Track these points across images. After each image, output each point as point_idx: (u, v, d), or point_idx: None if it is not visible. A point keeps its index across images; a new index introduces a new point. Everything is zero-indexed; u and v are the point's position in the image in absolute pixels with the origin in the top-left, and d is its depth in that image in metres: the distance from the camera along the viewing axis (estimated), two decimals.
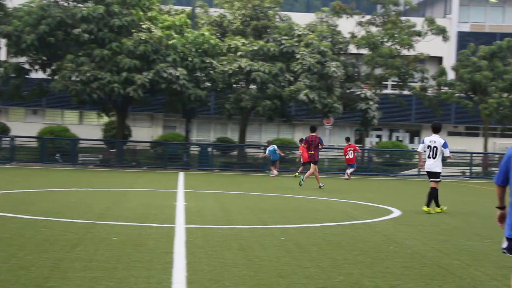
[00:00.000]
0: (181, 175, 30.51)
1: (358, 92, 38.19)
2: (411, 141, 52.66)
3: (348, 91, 39.20)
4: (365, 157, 39.71)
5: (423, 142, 17.18)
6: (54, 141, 38.67)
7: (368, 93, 38.03)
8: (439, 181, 16.89)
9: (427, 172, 17.04)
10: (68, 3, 35.34)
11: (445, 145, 16.87)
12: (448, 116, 49.74)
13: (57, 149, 37.50)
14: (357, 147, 33.23)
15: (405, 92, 44.04)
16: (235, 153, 40.21)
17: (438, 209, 16.69)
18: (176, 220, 13.47)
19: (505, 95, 40.99)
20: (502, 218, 6.61)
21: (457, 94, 41.42)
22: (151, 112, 49.32)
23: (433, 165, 16.88)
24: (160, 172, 33.09)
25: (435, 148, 16.74)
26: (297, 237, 11.65)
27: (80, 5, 34.82)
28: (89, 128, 48.18)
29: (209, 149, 38.53)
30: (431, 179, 16.93)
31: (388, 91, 48.25)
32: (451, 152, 17.43)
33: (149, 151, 39.74)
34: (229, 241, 10.89)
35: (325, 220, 14.26)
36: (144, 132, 48.85)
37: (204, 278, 8.02)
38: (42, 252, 9.29)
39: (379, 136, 52.24)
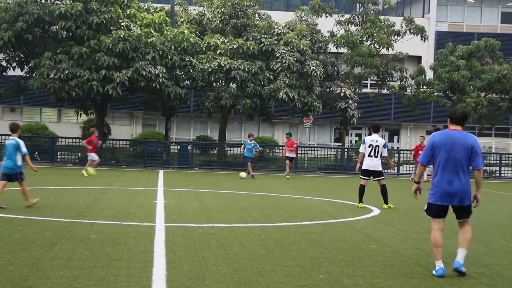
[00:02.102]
0: (161, 173, 30.45)
1: (338, 91, 38.27)
2: (391, 140, 52.91)
3: (327, 90, 39.30)
4: (345, 156, 39.84)
5: (364, 142, 17.22)
6: (32, 139, 38.40)
7: (348, 92, 38.11)
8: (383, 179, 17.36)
9: (368, 171, 17.18)
10: (46, 0, 35.08)
11: (385, 145, 17.33)
12: (427, 115, 50.06)
13: (35, 147, 37.23)
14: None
15: (384, 91, 44.23)
16: (215, 151, 40.14)
17: (386, 206, 16.99)
18: (156, 218, 13.46)
19: (483, 94, 41.29)
20: (416, 191, 9.31)
21: (435, 93, 41.64)
22: (131, 110, 49.17)
23: (377, 164, 17.24)
24: (140, 171, 33.00)
25: (377, 147, 17.05)
26: (277, 235, 11.67)
27: (58, 2, 34.57)
28: (67, 126, 47.94)
29: (189, 147, 38.46)
30: (379, 178, 17.26)
31: (368, 90, 48.42)
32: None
33: (129, 149, 39.58)
34: (209, 240, 10.89)
35: (305, 219, 14.30)
36: (123, 130, 48.71)
37: (184, 277, 8.02)
38: (20, 251, 9.24)
39: (358, 135, 52.43)
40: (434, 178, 8.89)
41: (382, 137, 18.07)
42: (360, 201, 17.25)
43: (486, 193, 24.08)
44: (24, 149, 14.47)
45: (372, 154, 17.05)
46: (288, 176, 29.87)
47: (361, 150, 17.25)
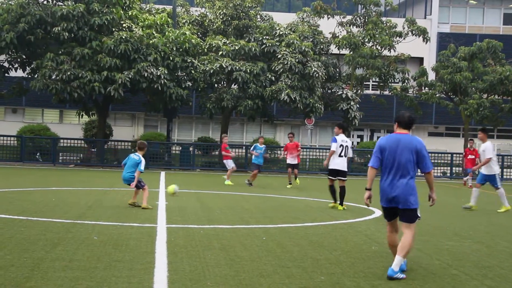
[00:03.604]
0: (163, 174, 30.44)
1: (339, 92, 38.29)
2: None
3: (329, 91, 39.32)
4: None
5: (335, 141, 17.08)
6: (34, 140, 38.43)
7: (349, 93, 38.12)
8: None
9: (336, 170, 17.12)
10: (48, 1, 35.12)
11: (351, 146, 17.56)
12: (429, 116, 50.02)
13: (37, 148, 37.27)
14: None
15: (386, 92, 44.20)
16: (216, 153, 40.13)
17: (341, 207, 16.92)
18: (158, 219, 13.45)
19: (485, 96, 41.26)
20: (369, 198, 8.94)
21: (437, 95, 41.65)
22: (132, 111, 49.18)
23: (345, 164, 17.27)
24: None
25: (346, 148, 17.12)
26: (279, 237, 11.66)
27: (60, 3, 34.61)
28: (69, 127, 47.96)
29: (191, 148, 38.46)
30: (341, 178, 17.14)
31: (369, 91, 48.43)
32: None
33: (131, 150, 39.56)
34: (210, 241, 10.89)
35: (306, 220, 14.29)
36: (125, 132, 48.71)
37: (185, 278, 8.01)
38: (22, 252, 9.24)
39: (360, 137, 52.42)
40: (380, 181, 8.76)
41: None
42: (335, 200, 17.22)
43: (488, 195, 24.09)
44: (142, 167, 15.64)
45: (342, 154, 17.03)
46: (289, 186, 25.32)
47: (333, 148, 17.05)
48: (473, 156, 29.57)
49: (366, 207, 9.27)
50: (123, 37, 32.76)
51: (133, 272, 8.24)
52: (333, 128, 50.47)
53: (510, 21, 55.91)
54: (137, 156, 15.74)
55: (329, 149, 17.47)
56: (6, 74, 37.07)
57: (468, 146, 30.84)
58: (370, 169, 8.85)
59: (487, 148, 17.92)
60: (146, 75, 32.80)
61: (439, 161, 41.13)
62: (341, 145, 17.01)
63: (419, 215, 8.65)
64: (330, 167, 17.20)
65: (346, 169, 17.22)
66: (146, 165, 35.65)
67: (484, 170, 18.14)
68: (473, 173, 29.22)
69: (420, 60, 50.84)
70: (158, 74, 32.88)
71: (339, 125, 17.69)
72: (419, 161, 8.54)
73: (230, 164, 26.25)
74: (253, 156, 26.73)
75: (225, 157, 26.63)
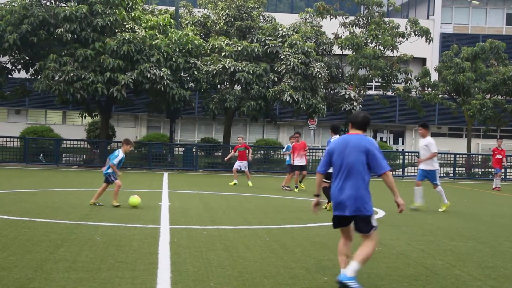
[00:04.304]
0: (166, 175, 30.45)
1: (342, 93, 38.27)
2: (395, 142, 52.92)
3: (332, 91, 39.31)
4: None
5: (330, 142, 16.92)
6: (37, 141, 38.47)
7: (352, 94, 38.12)
8: None
9: (330, 173, 16.97)
10: (51, 2, 35.15)
11: None
12: (432, 117, 50.01)
13: (40, 150, 37.32)
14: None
15: (389, 93, 44.18)
16: (219, 153, 40.16)
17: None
18: (161, 220, 13.46)
19: (488, 96, 41.25)
20: (317, 204, 8.16)
21: (440, 95, 41.66)
22: (135, 112, 49.24)
23: None
24: (145, 173, 33.01)
25: None
26: (282, 237, 11.67)
27: (63, 5, 34.64)
28: (72, 128, 48.03)
29: (194, 149, 38.48)
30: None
31: (372, 92, 48.42)
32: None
33: (133, 151, 39.62)
34: (213, 242, 10.90)
35: (309, 221, 14.28)
36: (128, 132, 48.72)
37: (188, 279, 8.02)
38: (25, 253, 9.25)
39: None
40: (331, 187, 7.89)
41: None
42: (329, 201, 16.89)
43: (491, 196, 24.09)
44: (114, 160, 15.69)
45: None
46: (297, 190, 23.59)
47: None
48: (500, 156, 29.49)
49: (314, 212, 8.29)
50: (126, 38, 32.79)
51: (136, 273, 8.25)
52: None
53: None
54: (118, 151, 15.93)
55: None
56: (9, 76, 37.13)
57: (497, 145, 30.31)
58: (317, 174, 8.03)
59: (431, 143, 17.51)
60: (149, 76, 32.84)
61: (442, 162, 41.06)
62: None
63: (374, 224, 7.61)
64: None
65: None
66: (149, 166, 35.79)
67: (423, 166, 17.66)
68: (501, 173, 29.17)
69: (423, 61, 50.84)
70: (161, 75, 32.90)
71: (333, 125, 17.49)
72: (370, 162, 7.56)
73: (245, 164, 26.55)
74: (286, 157, 25.43)
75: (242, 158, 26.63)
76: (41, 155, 36.60)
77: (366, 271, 8.93)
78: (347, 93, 38.16)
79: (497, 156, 29.73)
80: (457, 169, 40.01)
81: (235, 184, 25.19)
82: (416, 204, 17.59)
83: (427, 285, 8.31)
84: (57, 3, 35.15)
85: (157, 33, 34.27)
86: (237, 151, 26.95)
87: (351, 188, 7.50)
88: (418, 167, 18.00)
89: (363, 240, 7.64)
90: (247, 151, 26.84)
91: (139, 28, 34.02)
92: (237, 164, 26.52)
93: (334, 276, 8.52)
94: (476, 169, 41.06)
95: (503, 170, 31.14)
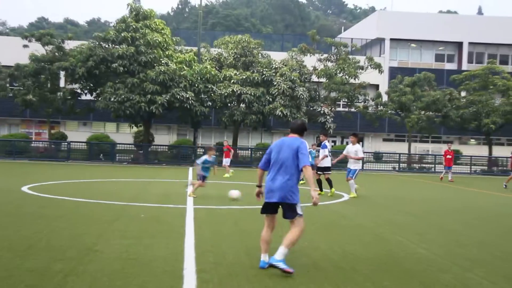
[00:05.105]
0: (190, 169, 30.44)
1: (319, 109, 38.27)
2: None
3: (311, 108, 39.29)
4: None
5: (325, 147, 16.69)
6: (99, 145, 38.46)
7: (326, 110, 38.12)
8: None
9: (324, 167, 17.00)
10: (108, 45, 35.23)
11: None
12: (383, 127, 50.03)
13: (100, 151, 37.29)
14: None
15: (353, 109, 44.19)
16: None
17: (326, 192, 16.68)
18: (187, 202, 13.50)
19: (422, 112, 41.32)
20: (259, 194, 7.16)
21: (389, 112, 41.65)
22: (168, 124, 49.22)
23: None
24: (175, 168, 33.02)
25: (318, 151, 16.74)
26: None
27: (117, 46, 34.72)
28: (123, 135, 48.01)
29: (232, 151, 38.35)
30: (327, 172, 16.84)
31: (340, 108, 48.39)
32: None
33: (167, 152, 39.62)
34: (225, 218, 10.94)
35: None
36: (163, 138, 48.77)
37: (207, 244, 8.07)
38: (90, 225, 9.32)
39: (334, 142, 52.45)
40: (267, 178, 7.05)
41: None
42: (321, 190, 16.66)
43: (424, 184, 23.94)
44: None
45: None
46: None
47: (326, 153, 16.57)
48: (450, 156, 28.48)
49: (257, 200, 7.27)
50: (162, 70, 32.87)
51: (170, 240, 8.30)
52: (315, 136, 50.64)
53: (440, 59, 55.94)
54: (204, 156, 15.51)
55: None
56: (79, 98, 37.25)
57: (448, 148, 28.96)
58: (258, 169, 7.11)
59: (359, 149, 16.12)
60: (178, 97, 32.95)
61: (389, 159, 41.10)
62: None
63: (300, 212, 6.78)
64: (321, 165, 16.80)
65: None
66: (178, 162, 35.66)
67: (351, 166, 16.07)
68: (449, 170, 28.35)
69: (376, 86, 50.86)
70: (187, 96, 32.99)
71: (322, 133, 17.15)
72: (298, 158, 6.79)
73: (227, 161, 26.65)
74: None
75: (228, 155, 26.86)
76: (101, 155, 36.59)
77: (335, 238, 8.95)
78: (322, 109, 38.15)
79: (448, 156, 28.66)
80: (400, 164, 40.00)
81: (229, 176, 24.94)
82: (352, 194, 16.25)
83: (377, 248, 8.33)
84: (113, 45, 35.22)
85: (184, 66, 34.32)
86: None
87: (281, 179, 6.72)
88: (347, 166, 16.35)
89: (290, 226, 6.77)
90: (230, 151, 27.07)
91: (171, 63, 34.06)
92: (224, 161, 26.77)
93: (311, 241, 8.52)
94: (414, 165, 41.05)
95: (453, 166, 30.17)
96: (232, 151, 27.88)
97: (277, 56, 41.80)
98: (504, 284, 6.50)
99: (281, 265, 6.39)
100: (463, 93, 43.67)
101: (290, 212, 6.72)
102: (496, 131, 41.11)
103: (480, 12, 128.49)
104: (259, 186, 7.14)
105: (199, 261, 6.96)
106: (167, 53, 35.26)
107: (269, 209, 6.85)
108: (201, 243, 8.14)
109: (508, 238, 9.89)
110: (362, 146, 52.77)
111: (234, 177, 24.74)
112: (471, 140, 50.49)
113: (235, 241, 8.41)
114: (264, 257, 6.74)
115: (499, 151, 47.11)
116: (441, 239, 9.31)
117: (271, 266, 6.46)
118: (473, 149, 50.24)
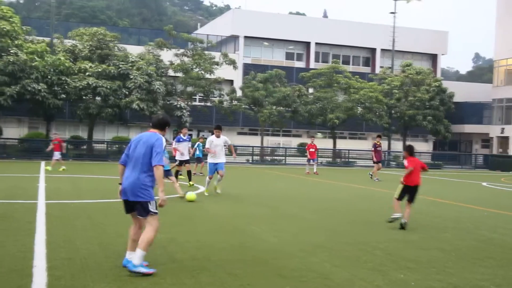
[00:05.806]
0: (43, 164, 28.77)
1: (175, 103, 38.09)
2: None
3: (168, 102, 38.96)
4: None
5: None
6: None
7: (182, 104, 38.04)
8: None
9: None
10: None
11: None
12: (237, 121, 51.01)
13: None
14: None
15: (208, 104, 44.53)
16: (85, 147, 38.54)
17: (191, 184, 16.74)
18: (38, 197, 12.76)
19: (274, 107, 42.78)
20: (121, 192, 6.45)
21: (243, 106, 42.56)
22: (19, 116, 45.99)
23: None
24: (26, 162, 31.00)
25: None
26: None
27: None
28: None
29: (65, 144, 36.55)
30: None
31: (197, 103, 48.50)
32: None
33: (17, 145, 37.05)
34: (79, 212, 10.51)
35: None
36: (13, 132, 45.47)
37: (60, 240, 7.70)
38: None
39: (190, 135, 52.29)
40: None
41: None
42: (190, 180, 17.15)
43: (279, 176, 24.84)
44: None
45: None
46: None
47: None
48: (313, 149, 28.70)
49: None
50: (11, 60, 30.63)
51: (18, 237, 7.79)
52: (171, 130, 50.30)
53: (290, 57, 58.29)
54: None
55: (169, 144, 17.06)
56: None
57: (310, 141, 29.26)
58: (119, 165, 6.55)
59: (227, 139, 15.49)
60: (29, 89, 30.92)
61: (244, 152, 42.08)
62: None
63: (153, 210, 6.28)
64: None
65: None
66: (29, 157, 33.62)
67: (220, 159, 14.98)
68: (314, 162, 28.73)
69: (231, 82, 51.59)
70: (39, 88, 31.08)
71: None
72: (152, 156, 6.29)
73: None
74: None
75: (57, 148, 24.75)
76: None
77: (191, 229, 8.96)
78: (179, 104, 38.02)
79: (311, 149, 28.81)
80: (254, 157, 41.13)
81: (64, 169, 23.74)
82: (210, 190, 15.34)
83: (230, 238, 8.50)
84: None
85: (36, 57, 32.26)
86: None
87: (133, 176, 6.28)
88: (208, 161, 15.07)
89: (146, 226, 6.31)
90: (61, 145, 25.44)
91: (21, 53, 31.83)
92: (56, 155, 24.73)
93: (168, 234, 8.44)
94: (267, 157, 42.42)
95: (317, 158, 30.36)
96: (64, 144, 26.31)
97: (134, 50, 40.84)
98: (349, 266, 6.94)
99: (141, 270, 6.05)
100: (310, 90, 45.86)
101: (142, 210, 6.29)
102: (340, 126, 43.76)
103: (325, 15, 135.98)
104: (121, 183, 6.50)
105: (50, 257, 6.62)
106: (16, 42, 32.88)
107: (127, 207, 6.46)
108: (53, 238, 7.74)
109: (360, 228, 10.20)
110: None
111: (73, 170, 23.83)
112: (318, 133, 53.25)
113: (89, 236, 8.11)
114: (129, 255, 6.35)
115: (342, 144, 50.28)
116: (293, 228, 9.67)
117: (130, 272, 6.05)
118: (320, 142, 53.15)
